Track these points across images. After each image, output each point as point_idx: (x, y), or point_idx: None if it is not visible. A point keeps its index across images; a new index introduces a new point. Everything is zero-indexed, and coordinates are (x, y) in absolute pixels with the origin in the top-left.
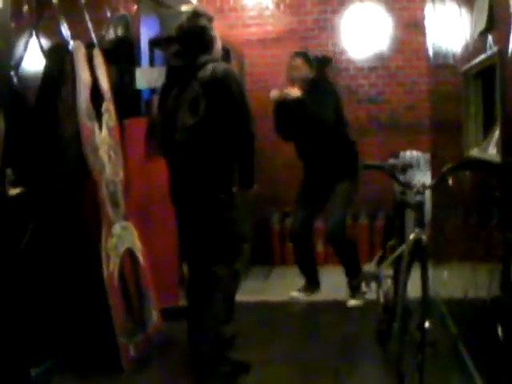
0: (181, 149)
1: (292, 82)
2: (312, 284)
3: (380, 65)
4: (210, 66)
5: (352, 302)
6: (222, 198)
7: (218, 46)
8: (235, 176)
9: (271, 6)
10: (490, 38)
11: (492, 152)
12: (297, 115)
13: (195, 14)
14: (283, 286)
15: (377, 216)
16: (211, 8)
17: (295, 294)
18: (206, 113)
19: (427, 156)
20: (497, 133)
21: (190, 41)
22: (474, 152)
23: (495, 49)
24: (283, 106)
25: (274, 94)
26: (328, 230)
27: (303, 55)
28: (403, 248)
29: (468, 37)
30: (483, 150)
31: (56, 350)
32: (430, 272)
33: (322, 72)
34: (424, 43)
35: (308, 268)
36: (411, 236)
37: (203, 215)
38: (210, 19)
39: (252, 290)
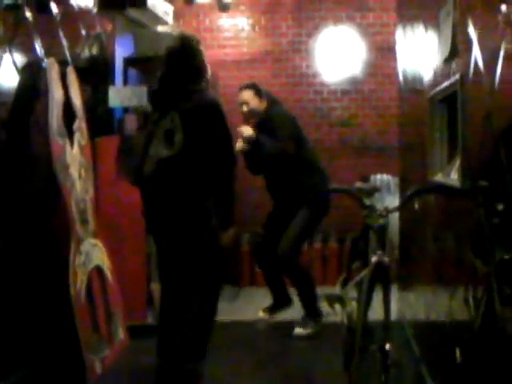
0: (150, 180)
1: (244, 116)
2: (279, 303)
3: (353, 88)
4: (195, 96)
5: (298, 330)
6: (195, 234)
7: (208, 72)
8: (212, 213)
9: (247, 27)
10: (453, 64)
11: (454, 177)
12: (257, 154)
13: (186, 37)
14: (252, 307)
15: (346, 239)
16: (187, 28)
17: (261, 314)
18: (183, 146)
19: (397, 179)
20: (458, 158)
21: (180, 65)
22: (438, 176)
23: (457, 76)
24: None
25: (239, 145)
26: (277, 253)
27: (251, 87)
28: (365, 270)
29: (434, 63)
30: (446, 175)
31: (22, 365)
32: (396, 295)
33: (273, 102)
34: (396, 68)
35: (275, 287)
36: (373, 259)
37: (177, 250)
38: (198, 42)
39: (220, 311)
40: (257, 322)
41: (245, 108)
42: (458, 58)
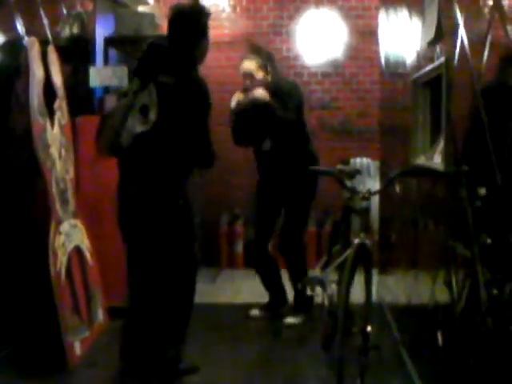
0: (126, 153)
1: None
2: (276, 302)
3: (334, 71)
4: (178, 72)
5: (289, 320)
6: (170, 208)
7: (206, 47)
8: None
9: (228, 8)
10: (438, 48)
11: (437, 160)
12: (259, 119)
13: (197, 5)
14: (231, 289)
15: (325, 222)
16: (167, 9)
17: (254, 312)
18: (157, 123)
19: (378, 163)
20: (442, 142)
21: (177, 30)
22: (421, 160)
23: (442, 59)
24: (245, 113)
25: (239, 97)
26: (283, 238)
27: (255, 55)
28: (348, 253)
29: (418, 46)
30: (429, 158)
31: (3, 345)
32: (376, 278)
33: (277, 71)
34: (378, 51)
35: (273, 286)
36: (356, 241)
37: (149, 223)
38: (207, 15)
39: (199, 292)
40: (236, 305)
41: (248, 82)
42: (442, 42)
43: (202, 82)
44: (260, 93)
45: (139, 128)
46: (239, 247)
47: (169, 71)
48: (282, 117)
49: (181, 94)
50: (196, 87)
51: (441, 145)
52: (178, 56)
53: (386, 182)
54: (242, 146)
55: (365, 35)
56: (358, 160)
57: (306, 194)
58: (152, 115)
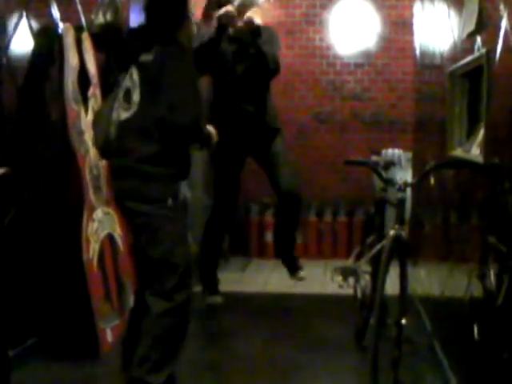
0: (113, 146)
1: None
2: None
3: (366, 62)
4: (157, 48)
5: (303, 273)
6: (151, 210)
7: (191, 28)
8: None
9: None
10: (478, 39)
11: (475, 152)
12: (242, 51)
13: None
14: (260, 279)
15: (356, 212)
16: None
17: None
18: (141, 105)
19: (409, 154)
20: (481, 133)
21: (155, 14)
22: (458, 152)
23: (483, 51)
24: (224, 30)
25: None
26: (286, 186)
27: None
28: (383, 244)
29: (456, 38)
30: (467, 151)
31: (35, 332)
32: (408, 269)
33: None
34: (411, 42)
35: (215, 269)
36: (391, 232)
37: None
38: None
39: (229, 281)
40: (265, 294)
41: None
42: (483, 33)
43: (180, 51)
44: (255, 15)
45: (123, 115)
46: (269, 237)
47: (148, 50)
48: (267, 52)
49: (160, 67)
50: (175, 56)
51: (479, 137)
52: (157, 36)
53: (423, 175)
54: (204, 71)
55: (398, 26)
56: (390, 151)
57: (284, 148)
58: (135, 97)
